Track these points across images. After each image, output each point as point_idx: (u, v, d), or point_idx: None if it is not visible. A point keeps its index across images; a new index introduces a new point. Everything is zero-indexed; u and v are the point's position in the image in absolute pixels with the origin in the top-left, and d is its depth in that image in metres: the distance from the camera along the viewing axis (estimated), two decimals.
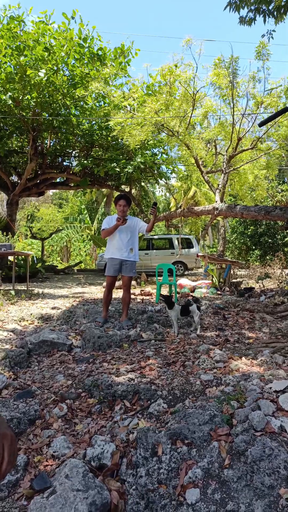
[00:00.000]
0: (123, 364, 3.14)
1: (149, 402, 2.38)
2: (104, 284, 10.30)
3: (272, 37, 6.12)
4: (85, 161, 11.77)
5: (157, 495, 1.59)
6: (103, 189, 20.24)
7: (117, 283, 6.60)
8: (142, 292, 8.35)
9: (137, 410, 2.31)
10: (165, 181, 13.71)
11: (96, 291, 9.15)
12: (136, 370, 2.94)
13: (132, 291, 8.83)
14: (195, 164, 9.93)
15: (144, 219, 10.23)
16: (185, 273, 14.85)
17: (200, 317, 4.41)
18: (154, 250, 14.83)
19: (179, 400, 2.38)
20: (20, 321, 5.01)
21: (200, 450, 1.76)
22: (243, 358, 3.14)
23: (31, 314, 5.48)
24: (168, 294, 4.37)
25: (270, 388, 2.23)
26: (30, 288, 9.16)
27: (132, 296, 7.69)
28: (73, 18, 10.25)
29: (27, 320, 5.09)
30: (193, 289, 8.72)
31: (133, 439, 1.91)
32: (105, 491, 1.57)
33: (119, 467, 1.78)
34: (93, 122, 11.86)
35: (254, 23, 5.59)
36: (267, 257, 15.64)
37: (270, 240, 16.54)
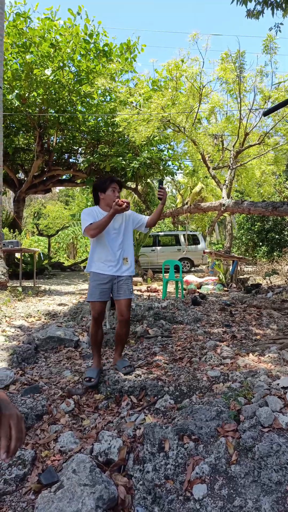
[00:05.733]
0: (130, 360, 3.14)
1: (156, 398, 2.38)
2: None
3: (280, 30, 6.06)
4: (91, 158, 11.77)
5: (164, 490, 1.59)
6: None
7: None
8: (149, 288, 8.35)
9: (144, 406, 2.31)
10: (172, 177, 13.64)
11: None
12: (143, 366, 2.94)
13: (138, 287, 8.80)
14: (201, 160, 9.86)
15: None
16: (192, 269, 14.82)
17: None
18: (160, 247, 14.81)
19: (186, 396, 2.38)
20: (27, 318, 5.05)
21: (207, 446, 1.76)
22: (250, 354, 3.13)
23: (38, 310, 5.51)
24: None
25: (278, 384, 2.22)
26: (37, 285, 9.21)
27: (139, 293, 7.66)
28: (78, 14, 10.21)
29: (34, 317, 5.12)
30: (199, 286, 8.70)
31: (140, 434, 1.92)
32: (112, 486, 1.57)
33: (126, 463, 1.78)
34: (99, 118, 11.84)
35: (262, 16, 5.53)
36: (274, 253, 15.50)
37: (277, 236, 16.38)
